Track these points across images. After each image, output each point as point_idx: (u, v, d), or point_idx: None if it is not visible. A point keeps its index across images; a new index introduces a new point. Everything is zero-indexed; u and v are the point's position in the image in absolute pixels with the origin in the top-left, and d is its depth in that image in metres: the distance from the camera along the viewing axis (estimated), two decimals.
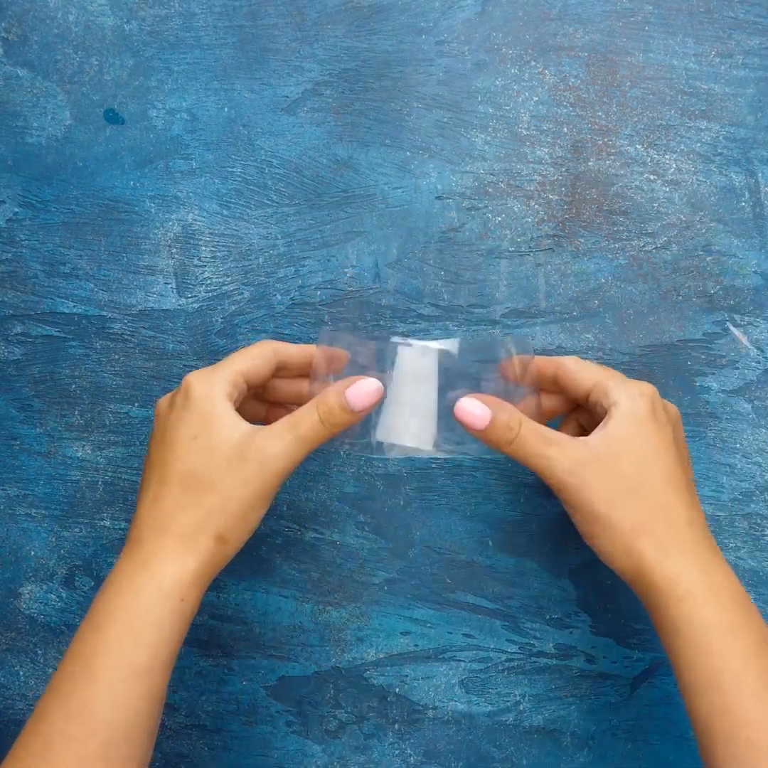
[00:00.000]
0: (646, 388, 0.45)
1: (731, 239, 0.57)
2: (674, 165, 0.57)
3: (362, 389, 0.44)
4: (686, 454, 0.47)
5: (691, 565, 0.42)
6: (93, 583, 0.57)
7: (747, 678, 0.40)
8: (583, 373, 0.47)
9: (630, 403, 0.44)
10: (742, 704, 0.39)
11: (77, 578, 0.57)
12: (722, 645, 0.40)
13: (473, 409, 0.43)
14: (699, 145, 0.57)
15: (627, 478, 0.43)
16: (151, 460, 0.45)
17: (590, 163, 0.57)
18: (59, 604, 0.57)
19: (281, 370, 0.49)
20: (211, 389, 0.44)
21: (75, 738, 0.39)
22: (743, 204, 0.57)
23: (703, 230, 0.57)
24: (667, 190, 0.57)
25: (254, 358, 0.46)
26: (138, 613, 0.40)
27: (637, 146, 0.57)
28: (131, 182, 0.57)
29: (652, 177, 0.57)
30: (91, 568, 0.57)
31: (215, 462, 0.43)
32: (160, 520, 0.43)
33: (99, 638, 0.40)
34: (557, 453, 0.43)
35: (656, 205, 0.57)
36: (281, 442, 0.43)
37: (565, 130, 0.57)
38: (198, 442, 0.43)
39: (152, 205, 0.57)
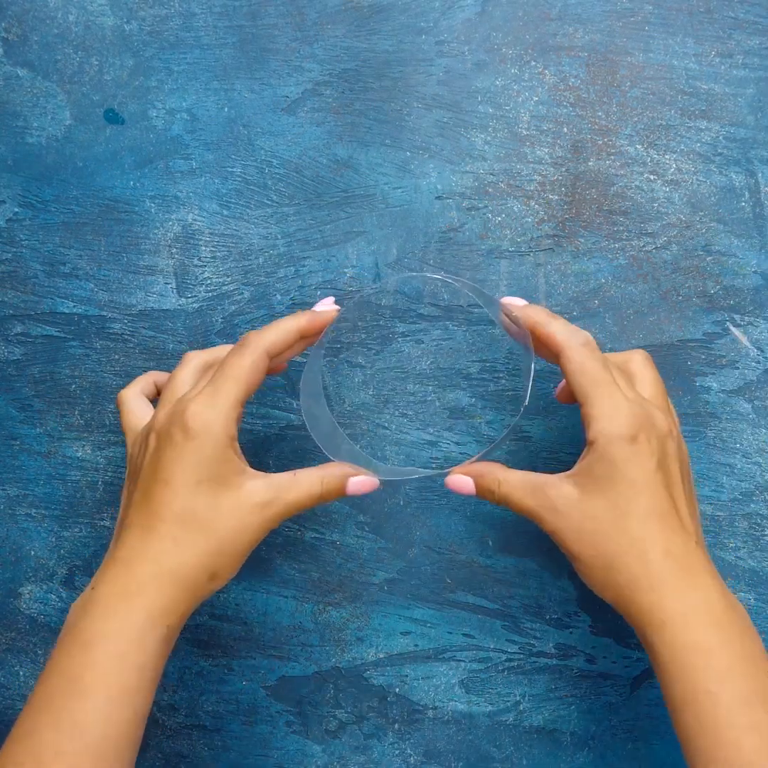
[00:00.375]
0: (630, 409, 0.44)
1: (731, 239, 0.57)
2: (674, 165, 0.57)
3: (365, 484, 0.47)
4: (677, 470, 0.45)
5: (665, 596, 0.42)
6: None
7: (723, 697, 0.40)
8: (576, 379, 0.45)
9: (607, 436, 0.43)
10: (717, 724, 0.40)
11: (77, 578, 0.57)
12: (698, 666, 0.41)
13: (458, 483, 0.47)
14: (699, 145, 0.57)
15: (599, 520, 0.43)
16: (140, 489, 0.44)
17: (590, 163, 0.57)
18: (59, 604, 0.57)
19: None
20: (215, 429, 0.43)
21: (67, 753, 0.39)
22: (743, 204, 0.57)
23: (703, 230, 0.57)
24: (667, 190, 0.57)
25: (251, 375, 0.44)
26: (127, 636, 0.41)
27: (637, 146, 0.57)
28: (131, 182, 0.57)
29: (652, 177, 0.57)
30: (91, 568, 0.57)
31: (220, 509, 0.43)
32: (153, 553, 0.42)
33: (88, 658, 0.40)
34: (537, 502, 0.45)
35: (656, 205, 0.57)
36: (284, 498, 0.44)
37: (565, 130, 0.56)
38: (203, 487, 0.43)
39: (152, 205, 0.57)
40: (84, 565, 0.57)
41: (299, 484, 0.45)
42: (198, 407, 0.43)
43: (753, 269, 0.56)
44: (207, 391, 0.44)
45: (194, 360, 0.48)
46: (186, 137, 0.57)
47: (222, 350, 0.48)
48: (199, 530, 0.43)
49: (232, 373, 0.44)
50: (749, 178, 0.57)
